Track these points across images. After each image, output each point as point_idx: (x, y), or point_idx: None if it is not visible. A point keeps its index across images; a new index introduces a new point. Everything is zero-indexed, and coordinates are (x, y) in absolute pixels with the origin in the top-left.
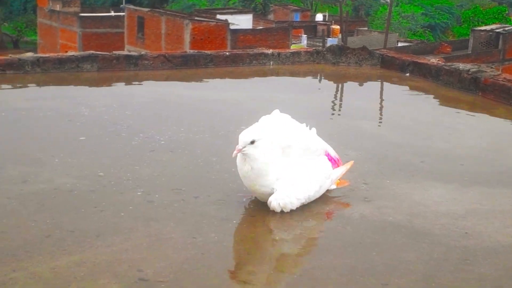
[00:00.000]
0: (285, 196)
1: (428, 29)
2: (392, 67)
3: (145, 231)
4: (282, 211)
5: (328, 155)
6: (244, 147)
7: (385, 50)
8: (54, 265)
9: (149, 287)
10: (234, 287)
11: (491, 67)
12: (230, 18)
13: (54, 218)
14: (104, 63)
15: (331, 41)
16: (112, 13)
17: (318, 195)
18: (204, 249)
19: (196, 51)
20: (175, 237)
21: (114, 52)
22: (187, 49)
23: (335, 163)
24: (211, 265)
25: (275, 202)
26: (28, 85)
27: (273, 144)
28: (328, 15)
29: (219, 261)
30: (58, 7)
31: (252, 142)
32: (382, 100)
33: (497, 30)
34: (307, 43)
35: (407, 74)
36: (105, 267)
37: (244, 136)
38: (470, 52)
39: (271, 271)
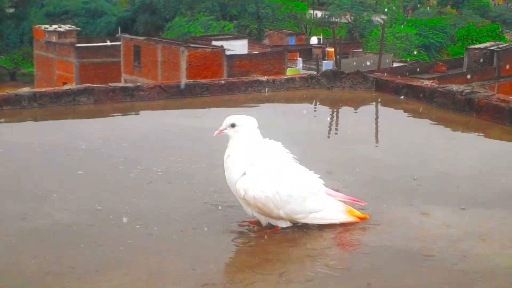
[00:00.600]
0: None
1: (423, 49)
2: (386, 90)
3: (144, 264)
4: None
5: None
6: (225, 128)
7: (379, 73)
8: None
9: None
10: None
11: (485, 88)
12: (226, 44)
13: (53, 254)
14: (100, 96)
15: (326, 64)
16: (108, 43)
17: (298, 208)
18: (204, 281)
19: (191, 80)
20: (175, 270)
21: (110, 84)
22: (184, 75)
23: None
24: None
25: (239, 185)
26: (25, 120)
27: (253, 133)
28: (323, 38)
29: None
30: (54, 39)
31: (233, 126)
32: (377, 123)
33: (491, 48)
34: (303, 66)
35: (402, 97)
36: None
37: (227, 119)
38: (465, 70)
39: None
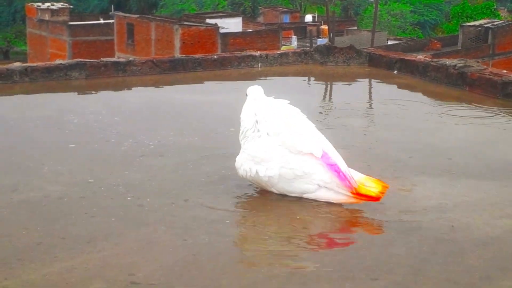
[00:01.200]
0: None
1: (418, 27)
2: (379, 65)
3: (135, 235)
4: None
5: (325, 156)
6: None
7: (372, 48)
8: (46, 272)
9: None
10: None
11: (478, 62)
12: (220, 22)
13: (45, 226)
14: (92, 71)
15: (321, 41)
16: (102, 21)
17: (289, 188)
18: (194, 251)
19: (184, 55)
20: (165, 240)
21: (102, 59)
22: (178, 54)
23: (334, 170)
24: (202, 266)
25: (235, 164)
26: (17, 94)
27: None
28: (318, 16)
29: (210, 262)
30: (47, 17)
31: (246, 95)
32: (370, 98)
33: (486, 25)
34: (297, 44)
35: (395, 72)
36: (96, 273)
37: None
38: (460, 48)
39: (262, 270)
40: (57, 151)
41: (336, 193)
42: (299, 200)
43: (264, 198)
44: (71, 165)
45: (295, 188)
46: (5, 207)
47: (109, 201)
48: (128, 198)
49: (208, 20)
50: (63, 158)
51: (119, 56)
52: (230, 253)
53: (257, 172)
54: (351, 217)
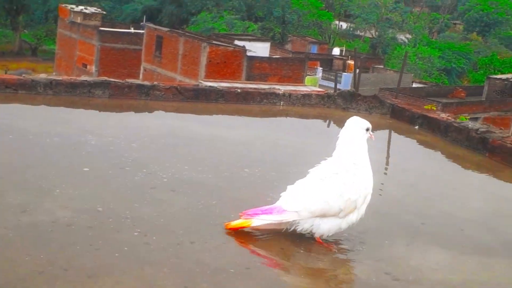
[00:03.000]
0: None
1: (444, 72)
2: (401, 118)
3: (138, 275)
4: None
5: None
6: None
7: (396, 100)
8: None
9: None
10: None
11: (501, 129)
12: (248, 44)
13: (49, 254)
14: (116, 90)
15: (346, 76)
16: (132, 30)
17: None
18: None
19: (208, 86)
20: (167, 284)
21: (126, 80)
22: (203, 71)
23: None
24: None
25: None
26: (39, 106)
27: None
28: (345, 50)
29: None
30: (79, 19)
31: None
32: (388, 152)
33: None
34: (322, 76)
35: (416, 127)
36: None
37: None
38: (484, 99)
39: None
40: (71, 173)
41: None
42: (310, 251)
43: (273, 248)
44: (83, 190)
45: None
46: (12, 229)
47: (116, 234)
48: (135, 234)
49: (236, 42)
50: (76, 182)
51: (145, 67)
52: None
53: None
54: (355, 283)
